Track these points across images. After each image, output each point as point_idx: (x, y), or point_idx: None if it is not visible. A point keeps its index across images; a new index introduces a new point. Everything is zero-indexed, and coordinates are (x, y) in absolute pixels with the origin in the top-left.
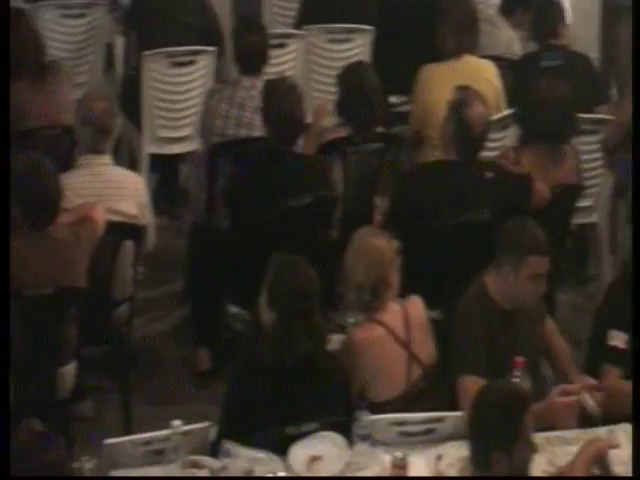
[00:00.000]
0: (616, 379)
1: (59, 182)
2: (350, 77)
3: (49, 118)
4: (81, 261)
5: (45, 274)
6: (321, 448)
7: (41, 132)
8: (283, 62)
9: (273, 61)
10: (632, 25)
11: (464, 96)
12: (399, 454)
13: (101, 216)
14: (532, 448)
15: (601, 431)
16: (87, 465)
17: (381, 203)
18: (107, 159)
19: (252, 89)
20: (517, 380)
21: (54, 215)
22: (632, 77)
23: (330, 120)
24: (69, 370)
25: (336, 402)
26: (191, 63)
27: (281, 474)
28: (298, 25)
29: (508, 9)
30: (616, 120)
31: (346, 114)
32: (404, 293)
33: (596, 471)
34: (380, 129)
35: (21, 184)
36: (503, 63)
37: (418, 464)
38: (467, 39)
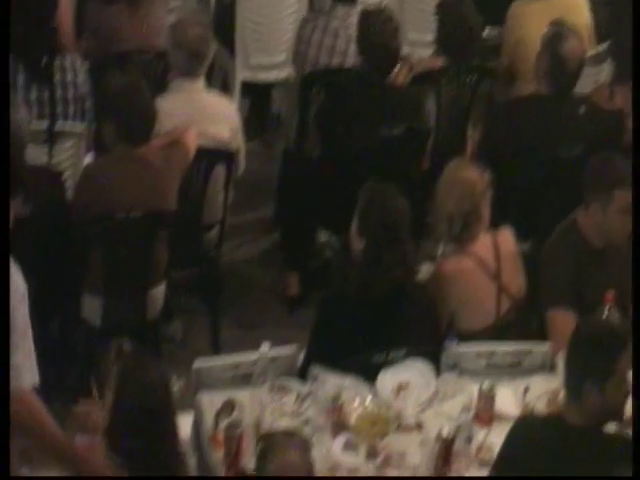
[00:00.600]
0: None
1: (154, 105)
2: (449, 8)
3: (143, 42)
4: (172, 184)
5: (136, 197)
6: (408, 376)
7: (135, 55)
8: None
9: None
10: (632, 24)
11: (559, 30)
12: (487, 384)
13: (193, 140)
14: (626, 389)
15: None
16: (176, 386)
17: (473, 135)
18: (200, 84)
19: (346, 18)
20: (607, 315)
21: (147, 138)
22: (632, 77)
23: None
24: (159, 291)
25: (424, 331)
26: None
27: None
28: None
29: None
30: None
31: (443, 45)
32: (495, 225)
33: None
34: (475, 61)
35: (117, 104)
36: None
37: (505, 395)
38: None
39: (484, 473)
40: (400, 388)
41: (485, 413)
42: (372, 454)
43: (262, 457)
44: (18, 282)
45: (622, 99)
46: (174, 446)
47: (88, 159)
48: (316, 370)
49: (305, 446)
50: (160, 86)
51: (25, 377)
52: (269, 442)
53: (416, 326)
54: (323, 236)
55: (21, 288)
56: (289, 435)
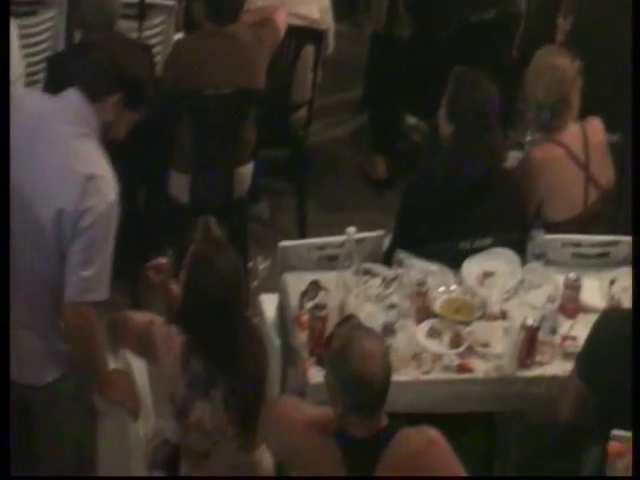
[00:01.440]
0: None
1: None
2: None
3: None
4: (261, 63)
5: (225, 74)
6: (494, 264)
7: None
8: None
9: None
10: (632, 25)
11: None
12: (573, 275)
13: (283, 19)
14: None
15: None
16: (261, 265)
17: (564, 25)
18: None
19: None
20: None
21: (236, 15)
22: (632, 76)
23: None
24: (247, 170)
25: (511, 220)
26: None
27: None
28: None
29: None
30: None
31: None
32: (584, 115)
33: None
34: None
35: None
36: None
37: (591, 286)
38: None
39: (568, 365)
40: (485, 276)
41: (570, 304)
42: (456, 341)
43: (342, 342)
44: (109, 192)
45: None
46: (249, 330)
47: (178, 36)
48: (401, 255)
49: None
50: None
51: (93, 292)
52: (350, 328)
53: (503, 214)
54: (411, 120)
55: (111, 198)
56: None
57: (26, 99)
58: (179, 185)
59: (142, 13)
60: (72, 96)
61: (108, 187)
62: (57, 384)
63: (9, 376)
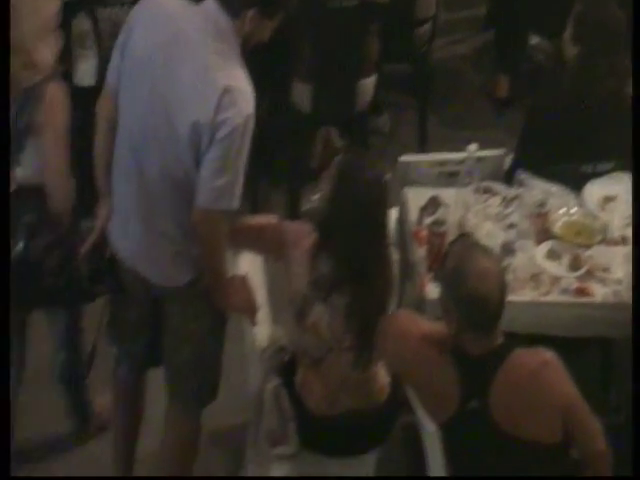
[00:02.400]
0: None
1: None
2: None
3: None
4: None
5: None
6: (616, 189)
7: None
8: None
9: None
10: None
11: None
12: None
13: None
14: None
15: None
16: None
17: None
18: None
19: None
20: None
21: None
22: (632, 75)
23: None
24: (369, 83)
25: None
26: None
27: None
28: None
29: None
30: None
31: None
32: None
33: None
34: None
35: None
36: None
37: None
38: None
39: None
40: (607, 200)
41: None
42: (575, 265)
43: (457, 259)
44: (246, 105)
45: None
46: (384, 242)
47: None
48: (522, 175)
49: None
50: None
51: (224, 200)
52: (465, 245)
53: (626, 138)
54: (535, 39)
55: (247, 111)
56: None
57: (165, 6)
58: (301, 95)
59: None
60: (211, 9)
61: (245, 100)
62: (189, 287)
63: (9, 376)
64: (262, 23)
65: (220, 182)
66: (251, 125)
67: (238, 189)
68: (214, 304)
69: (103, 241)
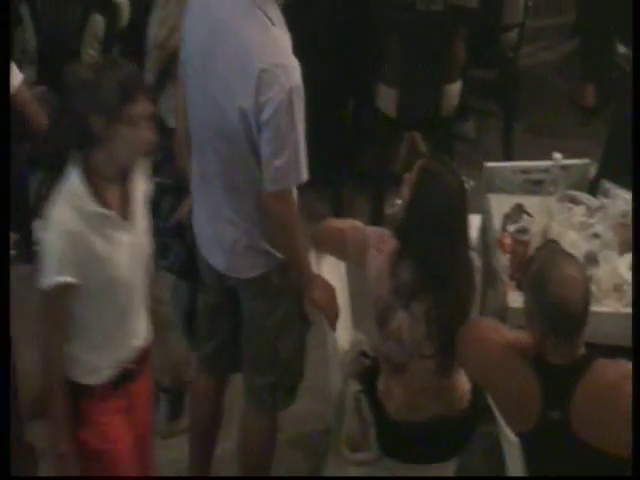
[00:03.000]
0: None
1: None
2: None
3: None
4: None
5: None
6: None
7: None
8: None
9: None
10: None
11: None
12: None
13: None
14: None
15: None
16: (465, 184)
17: None
18: None
19: None
20: None
21: None
22: (632, 74)
23: None
24: (455, 89)
25: None
26: None
27: None
28: None
29: None
30: None
31: None
32: None
33: None
34: None
35: None
36: None
37: None
38: None
39: None
40: None
41: None
42: None
43: (542, 265)
44: (287, 80)
45: None
46: (464, 248)
47: None
48: (607, 185)
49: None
50: None
51: (289, 177)
52: (551, 252)
53: None
54: (622, 49)
55: (289, 85)
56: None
57: None
58: (387, 99)
59: None
60: None
61: (285, 74)
62: (261, 281)
63: (9, 376)
64: None
65: (281, 161)
66: (298, 95)
67: (302, 161)
68: (295, 297)
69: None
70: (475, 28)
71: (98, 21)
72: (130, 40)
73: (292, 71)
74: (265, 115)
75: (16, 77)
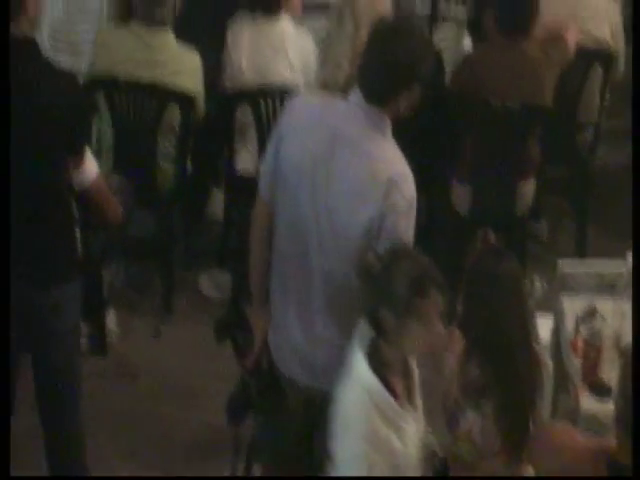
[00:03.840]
0: None
1: None
2: None
3: None
4: (550, 80)
5: (513, 88)
6: None
7: None
8: None
9: None
10: (632, 24)
11: None
12: None
13: (574, 38)
14: None
15: None
16: (537, 284)
17: None
18: None
19: None
20: None
21: (528, 30)
22: (632, 75)
23: None
24: (529, 187)
25: None
26: None
27: None
28: None
29: None
30: None
31: None
32: None
33: None
34: None
35: None
36: None
37: None
38: None
39: None
40: None
41: None
42: None
43: (623, 373)
44: (409, 189)
45: None
46: (528, 342)
47: (466, 42)
48: None
49: None
50: None
51: None
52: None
53: None
54: None
55: (411, 194)
56: None
57: (314, 107)
58: (460, 196)
59: (433, 21)
60: (359, 102)
61: (407, 183)
62: None
63: (9, 376)
64: (408, 99)
65: None
66: (414, 205)
67: None
68: None
69: (264, 352)
70: (549, 127)
71: (174, 114)
72: (206, 131)
73: (412, 181)
74: (388, 221)
75: (92, 167)
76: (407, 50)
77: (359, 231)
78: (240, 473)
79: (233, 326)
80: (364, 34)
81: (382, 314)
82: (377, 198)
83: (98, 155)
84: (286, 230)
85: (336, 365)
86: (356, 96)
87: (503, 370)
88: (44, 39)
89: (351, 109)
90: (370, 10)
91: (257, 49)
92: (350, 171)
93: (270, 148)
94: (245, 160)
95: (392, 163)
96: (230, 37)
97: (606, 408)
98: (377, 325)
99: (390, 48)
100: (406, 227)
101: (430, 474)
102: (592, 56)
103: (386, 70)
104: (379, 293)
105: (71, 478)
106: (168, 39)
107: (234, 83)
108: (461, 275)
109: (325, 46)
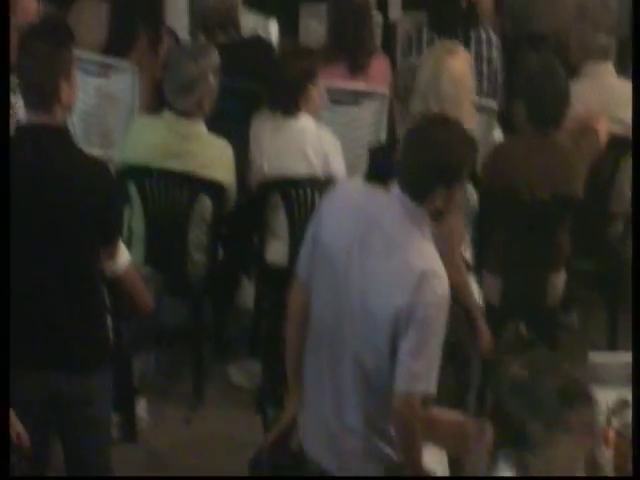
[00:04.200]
0: None
1: (568, 88)
2: None
3: (558, 23)
4: (581, 171)
5: (543, 179)
6: None
7: (551, 37)
8: None
9: None
10: (632, 24)
11: None
12: None
13: (605, 129)
14: None
15: None
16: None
17: None
18: (611, 68)
19: None
20: None
21: (559, 121)
22: (632, 75)
23: None
24: (560, 278)
25: None
26: None
27: None
28: None
29: None
30: None
31: None
32: None
33: None
34: None
35: (532, 85)
36: None
37: None
38: None
39: None
40: None
41: None
42: None
43: None
44: (442, 287)
45: None
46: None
47: (497, 133)
48: None
49: None
50: (572, 69)
51: (422, 384)
52: None
53: None
54: None
55: (444, 293)
56: None
57: (354, 195)
58: (491, 287)
59: None
60: (399, 196)
61: (440, 281)
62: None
63: (9, 378)
64: (447, 197)
65: (418, 365)
66: (446, 306)
67: (435, 373)
68: None
69: (290, 432)
70: (581, 217)
71: (206, 204)
72: (237, 220)
73: (445, 281)
74: (417, 317)
75: (124, 256)
76: (446, 149)
77: (388, 319)
78: None
79: (265, 402)
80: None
81: (529, 426)
82: (408, 290)
83: (129, 243)
84: (320, 312)
85: (362, 454)
86: (396, 189)
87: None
88: (75, 128)
89: (391, 201)
90: (454, 92)
91: (276, 147)
92: (383, 261)
93: (310, 230)
94: (275, 250)
95: (426, 258)
96: (252, 133)
97: None
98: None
99: (428, 145)
100: (435, 328)
101: None
102: (623, 145)
103: (423, 168)
104: (525, 404)
105: (71, 478)
106: (200, 129)
107: (257, 177)
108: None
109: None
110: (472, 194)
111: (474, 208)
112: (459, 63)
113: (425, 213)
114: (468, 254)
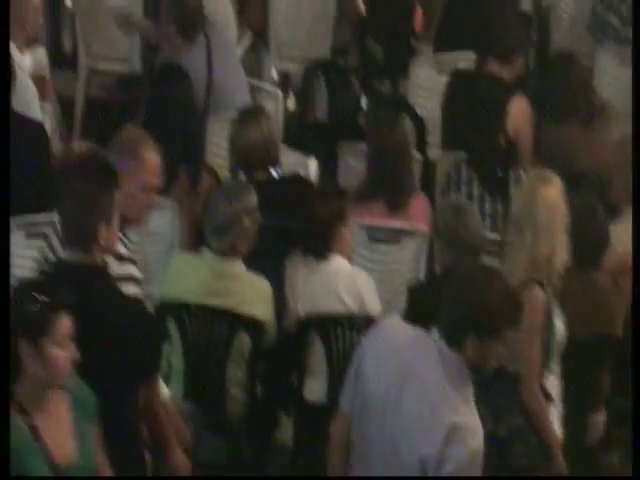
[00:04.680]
0: None
1: (608, 227)
2: None
3: (598, 162)
4: (620, 310)
5: (584, 319)
6: None
7: (592, 176)
8: None
9: None
10: (632, 25)
11: None
12: None
13: None
14: None
15: None
16: None
17: None
18: None
19: None
20: None
21: (599, 261)
22: (632, 76)
23: None
24: (599, 418)
25: None
26: None
27: None
28: None
29: None
30: None
31: None
32: None
33: None
34: None
35: (574, 223)
36: None
37: None
38: None
39: None
40: None
41: None
42: None
43: None
44: (473, 441)
45: None
46: None
47: None
48: None
49: None
50: (613, 209)
51: None
52: None
53: None
54: None
55: (474, 447)
56: None
57: (394, 337)
58: None
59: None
60: (436, 341)
61: (472, 435)
62: None
63: (9, 377)
64: (481, 350)
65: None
66: (479, 460)
67: None
68: None
69: None
70: (621, 356)
71: (244, 341)
72: (276, 358)
73: (479, 433)
74: (446, 470)
75: (163, 392)
76: (481, 296)
77: (414, 465)
78: None
79: None
80: (544, 245)
81: None
82: (436, 441)
83: (168, 379)
84: (361, 447)
85: None
86: (435, 333)
87: None
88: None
89: (428, 347)
90: (549, 221)
91: (309, 289)
92: (415, 407)
93: (352, 367)
94: (313, 389)
95: (460, 411)
96: (287, 274)
97: None
98: None
99: (464, 289)
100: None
101: None
102: None
103: (456, 311)
104: None
105: (71, 478)
106: (238, 268)
107: (293, 317)
108: None
109: (501, 257)
110: (560, 328)
111: (561, 339)
112: (553, 191)
113: (462, 362)
114: (550, 384)
